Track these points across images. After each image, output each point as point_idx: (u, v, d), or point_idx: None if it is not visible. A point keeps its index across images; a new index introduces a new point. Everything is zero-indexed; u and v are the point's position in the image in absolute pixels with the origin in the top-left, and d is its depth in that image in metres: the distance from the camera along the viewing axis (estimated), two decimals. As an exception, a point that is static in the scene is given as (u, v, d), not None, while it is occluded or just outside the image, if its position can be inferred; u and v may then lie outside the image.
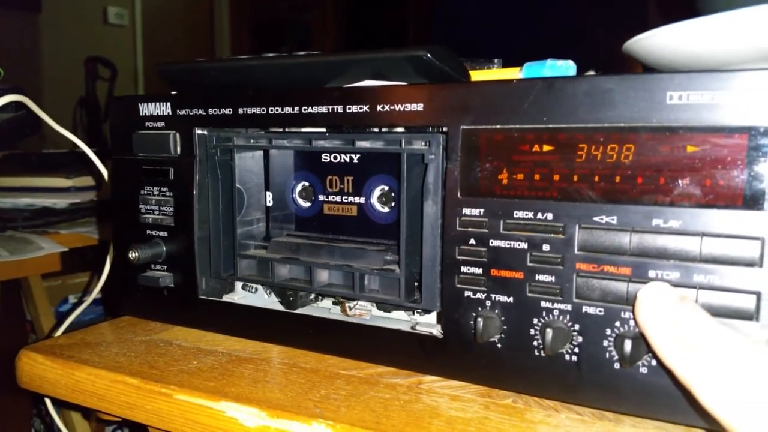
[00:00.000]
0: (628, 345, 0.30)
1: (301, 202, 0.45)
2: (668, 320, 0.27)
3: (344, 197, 0.43)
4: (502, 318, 0.34)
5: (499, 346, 0.34)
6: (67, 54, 2.22)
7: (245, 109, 0.41)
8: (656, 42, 0.36)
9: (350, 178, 0.43)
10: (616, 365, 0.31)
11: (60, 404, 0.58)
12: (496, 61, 0.44)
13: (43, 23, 2.31)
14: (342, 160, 0.43)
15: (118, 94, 2.02)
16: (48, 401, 0.54)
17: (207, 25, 3.12)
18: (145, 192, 0.45)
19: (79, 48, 2.21)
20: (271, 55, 0.40)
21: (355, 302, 0.42)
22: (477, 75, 0.41)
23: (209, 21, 3.13)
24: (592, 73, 0.39)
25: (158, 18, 2.79)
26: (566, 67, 0.38)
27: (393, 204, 0.41)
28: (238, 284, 0.47)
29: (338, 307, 0.43)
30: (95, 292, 0.53)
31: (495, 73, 0.41)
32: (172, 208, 0.45)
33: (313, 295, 0.44)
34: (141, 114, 0.45)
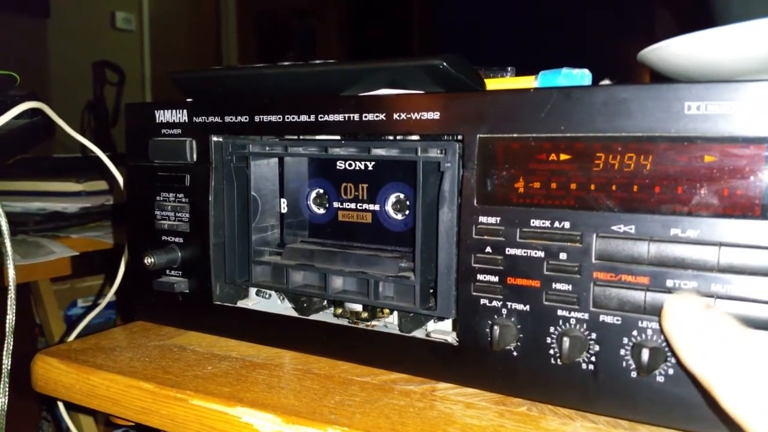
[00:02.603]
0: (645, 354, 0.30)
1: (315, 209, 0.45)
2: (695, 330, 0.27)
3: (359, 204, 0.43)
4: (519, 326, 0.34)
5: (515, 354, 0.34)
6: (76, 58, 2.24)
7: (261, 116, 0.42)
8: (672, 51, 0.36)
9: (365, 186, 0.43)
10: (633, 374, 0.31)
11: (70, 408, 0.58)
12: (509, 69, 0.44)
13: (52, 28, 2.33)
14: (356, 168, 0.43)
15: (125, 98, 2.03)
16: (60, 405, 0.54)
17: (213, 30, 3.14)
18: (161, 198, 0.46)
19: (87, 52, 2.23)
20: (286, 63, 0.41)
21: (370, 323, 0.42)
22: (491, 83, 0.41)
23: (215, 26, 3.14)
24: (607, 81, 0.40)
25: (165, 23, 2.81)
26: (582, 76, 0.38)
27: (407, 211, 0.42)
28: (252, 290, 0.47)
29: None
30: (109, 296, 0.53)
31: (509, 81, 0.41)
32: (187, 215, 0.45)
33: (326, 302, 0.44)
34: (157, 121, 0.46)
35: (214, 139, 0.44)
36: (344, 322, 0.42)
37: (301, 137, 0.42)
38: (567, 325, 0.33)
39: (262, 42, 3.22)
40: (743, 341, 0.25)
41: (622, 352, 0.32)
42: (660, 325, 0.30)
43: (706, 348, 0.26)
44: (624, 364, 0.32)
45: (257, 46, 3.22)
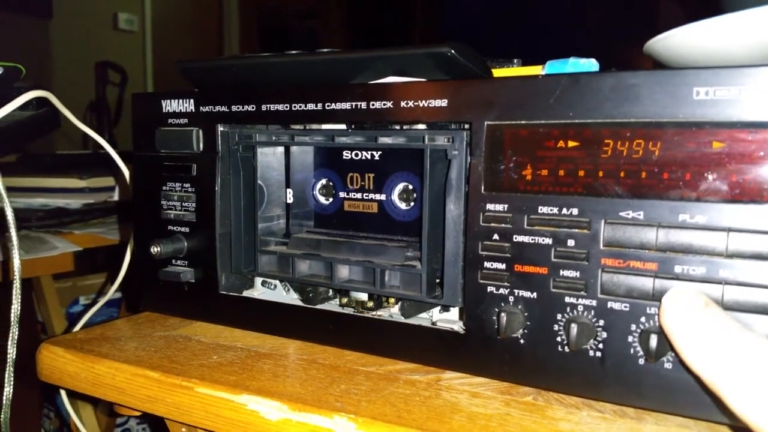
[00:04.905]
0: (653, 340, 0.30)
1: (321, 199, 0.45)
2: (694, 326, 0.27)
3: (365, 194, 0.43)
4: (526, 313, 0.34)
5: (522, 341, 0.34)
6: (78, 59, 2.25)
7: (268, 105, 0.42)
8: (680, 40, 0.36)
9: (371, 176, 0.43)
10: (641, 361, 0.31)
11: (72, 398, 0.58)
12: (515, 60, 0.44)
13: (55, 29, 2.34)
14: (363, 157, 0.43)
15: (127, 98, 2.03)
16: (63, 393, 0.54)
17: (216, 32, 3.15)
18: (167, 188, 0.46)
19: (89, 53, 2.24)
20: (294, 52, 0.41)
21: (375, 312, 0.42)
22: (498, 73, 0.41)
23: (218, 28, 3.15)
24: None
25: (168, 24, 2.81)
26: (589, 65, 0.38)
27: (413, 201, 0.42)
28: (258, 281, 0.47)
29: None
30: (114, 288, 0.53)
31: (516, 71, 0.41)
32: (194, 204, 0.45)
33: (331, 292, 0.44)
34: (164, 111, 0.46)
35: (221, 128, 0.44)
36: (350, 311, 0.42)
37: (307, 126, 0.42)
38: (575, 312, 0.33)
39: (264, 44, 3.22)
40: (744, 342, 0.25)
41: (630, 338, 0.32)
42: (658, 321, 0.30)
43: (707, 349, 0.26)
44: (632, 350, 0.32)
45: (259, 48, 3.23)
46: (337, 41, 3.15)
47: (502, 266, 0.35)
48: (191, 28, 3.01)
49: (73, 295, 1.20)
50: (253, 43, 3.22)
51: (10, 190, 0.87)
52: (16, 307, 0.46)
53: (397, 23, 2.97)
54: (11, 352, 0.45)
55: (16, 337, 0.45)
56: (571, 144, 0.32)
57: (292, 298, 0.46)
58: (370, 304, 0.41)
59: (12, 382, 0.45)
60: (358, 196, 0.43)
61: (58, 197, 0.91)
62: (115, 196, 0.92)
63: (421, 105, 0.36)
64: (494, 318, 0.35)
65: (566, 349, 0.33)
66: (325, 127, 0.41)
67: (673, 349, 0.29)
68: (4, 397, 0.45)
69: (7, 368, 0.45)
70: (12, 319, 0.46)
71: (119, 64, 2.05)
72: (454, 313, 0.40)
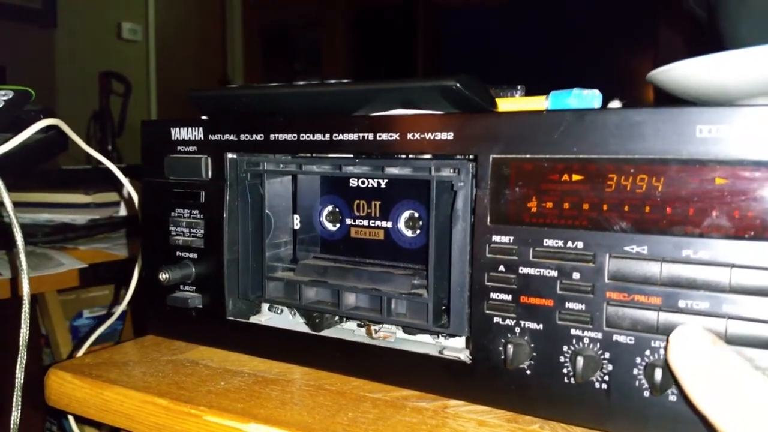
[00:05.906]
0: (658, 374, 0.30)
1: (328, 225, 0.46)
2: (701, 366, 0.27)
3: (371, 221, 0.44)
4: (532, 345, 0.34)
5: (528, 372, 0.35)
6: (82, 69, 2.26)
7: (277, 135, 0.42)
8: (683, 73, 0.37)
9: (377, 203, 0.43)
10: (646, 393, 0.32)
11: (77, 420, 0.58)
12: (519, 87, 0.44)
13: (59, 38, 2.35)
14: (369, 185, 0.43)
15: (131, 108, 2.05)
16: (71, 418, 0.54)
17: (219, 41, 3.16)
18: (176, 214, 0.46)
19: (93, 63, 2.25)
20: (302, 83, 0.41)
21: (381, 325, 0.42)
22: (502, 102, 0.41)
23: (221, 36, 3.17)
24: (617, 102, 0.40)
25: (171, 33, 2.83)
26: (592, 97, 0.38)
27: (419, 229, 0.42)
28: (265, 306, 0.47)
29: (363, 329, 0.44)
30: (122, 307, 0.54)
31: (520, 101, 0.42)
32: (202, 231, 0.45)
33: (338, 317, 0.44)
34: (173, 138, 0.46)
35: (229, 156, 0.44)
36: (357, 339, 0.42)
37: (314, 155, 0.43)
38: (580, 344, 0.33)
39: (267, 53, 3.24)
40: (751, 384, 0.25)
41: (635, 371, 0.32)
42: (665, 357, 0.30)
43: (713, 388, 0.26)
44: (637, 383, 0.32)
45: (262, 57, 3.24)
46: (340, 51, 3.17)
47: (508, 297, 0.35)
48: (195, 37, 3.03)
49: (76, 308, 1.20)
50: (256, 52, 3.24)
51: (15, 205, 0.87)
52: (24, 332, 0.46)
53: (398, 33, 2.98)
54: (19, 376, 0.46)
55: (24, 362, 0.46)
56: (575, 178, 0.33)
57: (298, 322, 0.46)
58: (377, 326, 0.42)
59: (20, 407, 0.45)
60: (365, 223, 0.44)
61: (63, 213, 0.92)
62: (122, 212, 0.93)
63: (427, 137, 0.37)
64: (501, 348, 0.35)
65: (572, 380, 0.33)
66: (332, 156, 0.42)
67: (678, 385, 0.29)
68: (12, 422, 0.45)
69: (15, 393, 0.45)
70: (20, 343, 0.46)
71: (123, 74, 2.06)
72: (460, 339, 0.40)
